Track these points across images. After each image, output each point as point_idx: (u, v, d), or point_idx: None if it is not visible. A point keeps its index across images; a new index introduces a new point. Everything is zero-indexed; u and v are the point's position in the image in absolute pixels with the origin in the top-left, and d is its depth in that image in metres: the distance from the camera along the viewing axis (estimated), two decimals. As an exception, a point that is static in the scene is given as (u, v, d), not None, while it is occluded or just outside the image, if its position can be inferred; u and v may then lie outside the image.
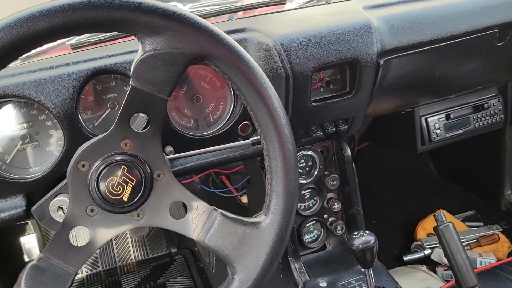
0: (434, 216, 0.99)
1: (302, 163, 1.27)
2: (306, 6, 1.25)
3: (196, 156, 1.03)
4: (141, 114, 0.73)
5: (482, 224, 1.99)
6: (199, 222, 0.72)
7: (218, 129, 1.06)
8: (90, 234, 0.71)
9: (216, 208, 0.74)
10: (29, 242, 1.88)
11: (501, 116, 1.49)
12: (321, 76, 1.05)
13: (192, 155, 0.92)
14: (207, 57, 0.67)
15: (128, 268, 1.99)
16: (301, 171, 1.27)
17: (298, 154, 1.24)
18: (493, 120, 1.48)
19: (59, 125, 0.93)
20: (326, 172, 1.31)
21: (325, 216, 1.33)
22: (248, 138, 1.11)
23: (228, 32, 1.00)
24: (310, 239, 1.33)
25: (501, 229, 1.85)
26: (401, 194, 2.14)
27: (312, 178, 1.28)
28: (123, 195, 0.70)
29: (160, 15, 0.63)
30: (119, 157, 0.70)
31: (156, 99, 0.68)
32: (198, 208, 0.73)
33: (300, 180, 1.27)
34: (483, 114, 1.46)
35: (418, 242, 1.82)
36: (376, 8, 1.10)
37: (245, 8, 1.23)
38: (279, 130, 0.70)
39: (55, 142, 0.97)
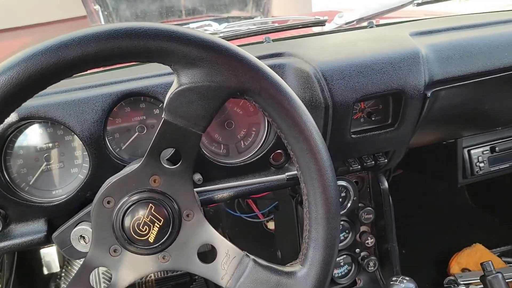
0: (481, 264, 0.90)
1: (335, 193, 1.20)
2: (347, 29, 1.19)
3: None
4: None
5: (521, 261, 1.87)
6: (229, 268, 0.66)
7: (250, 156, 1.01)
8: (112, 276, 0.66)
9: (248, 254, 0.68)
10: (50, 255, 1.86)
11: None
12: (362, 106, 0.99)
13: (222, 188, 0.86)
14: (247, 92, 0.62)
15: (147, 285, 1.94)
16: (333, 202, 1.20)
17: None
18: (542, 155, 1.37)
19: (85, 148, 0.89)
20: (360, 204, 1.23)
21: (357, 250, 1.25)
22: (281, 167, 1.07)
23: (265, 57, 0.95)
24: (339, 274, 1.25)
25: (543, 270, 1.72)
26: (435, 224, 2.03)
27: (345, 210, 1.21)
28: (149, 236, 0.65)
29: (198, 46, 0.58)
30: (146, 195, 0.65)
31: (190, 134, 0.63)
32: (229, 253, 0.67)
33: (332, 212, 1.20)
34: (531, 148, 1.36)
35: (452, 278, 1.71)
36: (424, 35, 1.03)
37: (282, 29, 1.18)
38: (322, 175, 0.63)
39: (80, 164, 0.94)
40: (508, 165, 1.36)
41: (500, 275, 0.88)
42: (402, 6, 1.27)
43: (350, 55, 0.92)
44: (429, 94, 0.96)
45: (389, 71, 0.91)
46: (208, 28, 1.11)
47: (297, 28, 1.20)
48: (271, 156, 1.02)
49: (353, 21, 1.31)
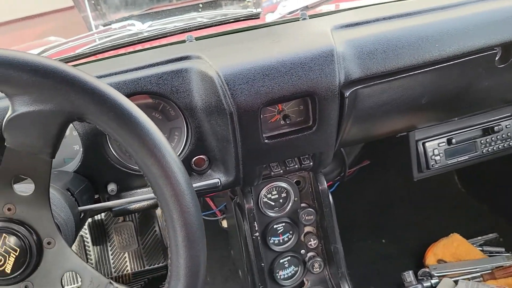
0: (401, 275, 0.85)
1: (275, 194, 1.15)
2: (279, 22, 1.12)
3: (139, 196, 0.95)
4: None
5: (503, 249, 1.79)
6: None
7: (169, 163, 0.97)
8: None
9: (112, 282, 0.65)
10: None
11: (517, 140, 1.30)
12: (280, 108, 0.93)
13: (106, 208, 0.83)
14: (86, 116, 0.58)
15: (124, 279, 1.95)
16: (272, 203, 1.16)
17: (270, 185, 1.13)
18: (505, 145, 1.28)
19: None
20: (303, 205, 1.19)
21: (302, 251, 1.21)
22: (203, 173, 1.03)
23: (169, 62, 0.90)
24: (285, 276, 1.22)
25: (525, 260, 1.64)
26: (419, 211, 1.95)
27: (286, 211, 1.16)
28: (5, 267, 0.62)
29: (22, 70, 0.54)
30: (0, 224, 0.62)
31: (38, 161, 0.60)
32: (93, 281, 0.64)
33: (272, 214, 1.16)
34: (493, 138, 1.27)
35: (426, 269, 1.65)
36: (348, 28, 0.95)
37: (210, 25, 1.12)
38: (178, 199, 0.60)
39: None
40: (467, 157, 1.28)
41: (419, 286, 0.82)
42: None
43: (256, 57, 0.86)
44: (347, 94, 0.89)
45: (298, 72, 0.85)
46: (131, 28, 1.06)
47: (227, 23, 1.13)
48: (193, 162, 0.99)
49: (296, 10, 1.24)
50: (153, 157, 0.59)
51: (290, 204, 1.16)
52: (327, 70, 0.86)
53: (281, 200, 1.16)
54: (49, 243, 0.64)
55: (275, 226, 1.16)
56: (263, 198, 1.14)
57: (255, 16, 1.15)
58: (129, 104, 0.59)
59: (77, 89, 0.56)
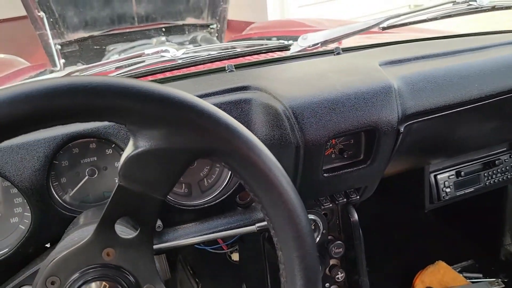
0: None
1: (304, 227, 1.13)
2: (312, 53, 1.13)
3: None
4: None
5: (481, 275, 1.89)
6: None
7: (214, 196, 0.93)
8: None
9: None
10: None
11: (512, 173, 1.39)
12: (334, 142, 0.93)
13: (181, 246, 0.77)
14: (215, 153, 0.54)
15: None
16: (302, 236, 1.13)
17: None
18: (504, 178, 1.37)
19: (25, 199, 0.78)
20: (329, 237, 1.18)
21: (327, 285, 1.19)
22: (248, 206, 0.99)
23: (230, 91, 0.87)
24: (309, 310, 1.19)
25: (503, 286, 1.74)
26: (398, 242, 2.01)
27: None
28: None
29: (155, 103, 0.49)
30: (99, 272, 0.55)
31: (148, 200, 0.54)
32: None
33: (301, 247, 1.13)
34: (494, 171, 1.36)
35: (416, 297, 1.70)
36: (393, 65, 0.98)
37: (244, 54, 1.10)
38: (301, 248, 0.56)
39: (22, 213, 0.82)
40: (473, 189, 1.35)
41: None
42: (367, 29, 1.23)
43: (321, 90, 0.86)
44: (402, 129, 0.91)
45: (362, 107, 0.86)
46: (165, 54, 1.02)
47: (260, 53, 1.12)
48: (238, 195, 0.95)
49: (317, 44, 1.26)
50: (281, 201, 0.56)
51: (319, 237, 1.15)
52: (387, 105, 0.88)
53: (309, 233, 1.15)
54: None
55: (303, 260, 1.14)
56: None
57: (286, 48, 1.15)
58: (260, 144, 0.56)
59: (212, 125, 0.52)
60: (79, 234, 0.62)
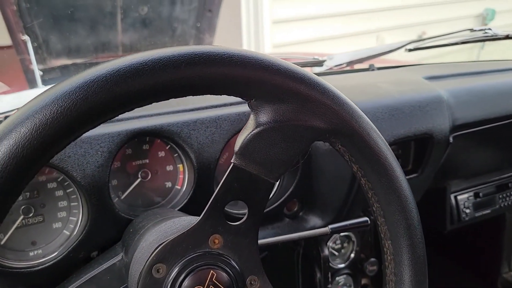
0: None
1: (338, 244, 1.11)
2: (348, 70, 1.15)
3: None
4: None
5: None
6: None
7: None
8: None
9: None
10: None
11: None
12: (384, 151, 0.93)
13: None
14: (337, 135, 0.52)
15: None
16: (336, 253, 1.11)
17: (337, 234, 1.09)
18: (517, 200, 1.41)
19: (82, 199, 0.72)
20: (361, 255, 1.15)
21: (358, 305, 1.16)
22: (295, 217, 0.97)
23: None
24: (341, 332, 1.15)
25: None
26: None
27: (348, 262, 1.12)
28: None
29: (290, 77, 0.47)
30: (206, 259, 0.51)
31: (261, 183, 0.51)
32: None
33: (338, 265, 1.11)
34: (507, 193, 1.40)
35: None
36: (436, 80, 1.01)
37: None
38: (413, 237, 0.55)
39: (66, 217, 0.76)
40: (489, 211, 1.37)
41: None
42: (393, 50, 1.27)
43: (379, 96, 0.86)
44: (451, 139, 0.93)
45: (418, 114, 0.87)
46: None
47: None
48: (285, 205, 0.92)
49: (342, 64, 1.28)
50: (393, 186, 0.54)
51: (353, 254, 1.12)
52: (440, 114, 0.89)
53: (342, 250, 1.12)
54: (251, 283, 0.54)
55: (337, 278, 1.11)
56: (329, 248, 1.09)
57: (320, 64, 1.16)
58: (375, 129, 0.55)
59: (338, 105, 0.50)
60: (180, 223, 0.58)
